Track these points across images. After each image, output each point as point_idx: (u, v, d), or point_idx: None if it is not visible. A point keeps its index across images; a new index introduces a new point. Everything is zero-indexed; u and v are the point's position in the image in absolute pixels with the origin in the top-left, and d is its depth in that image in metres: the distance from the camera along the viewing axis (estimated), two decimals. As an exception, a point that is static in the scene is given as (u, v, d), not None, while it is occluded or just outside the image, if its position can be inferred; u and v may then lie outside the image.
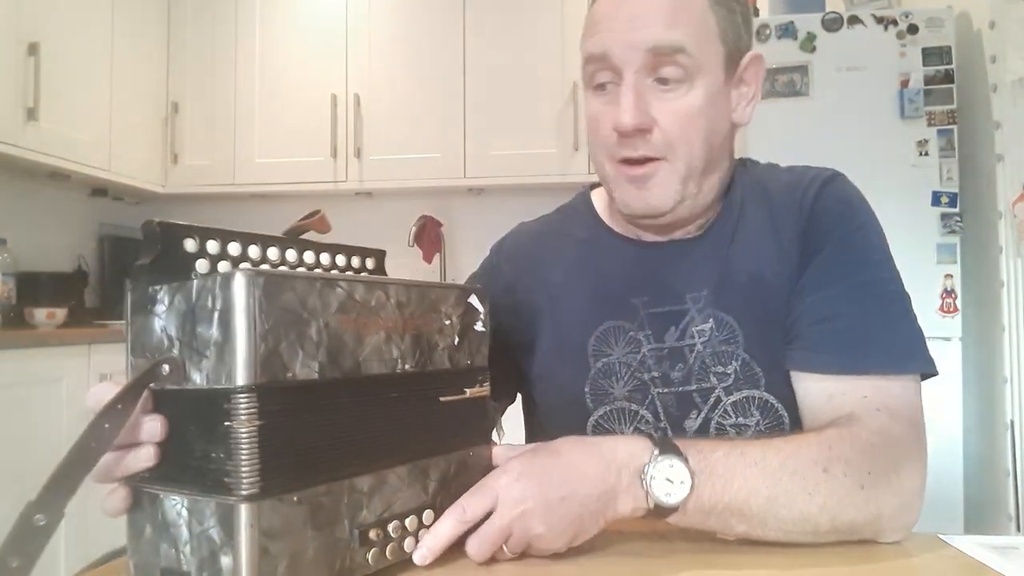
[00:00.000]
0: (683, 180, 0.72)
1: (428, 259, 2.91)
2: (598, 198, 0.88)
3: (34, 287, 2.43)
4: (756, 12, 2.42)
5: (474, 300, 0.62)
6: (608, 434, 0.76)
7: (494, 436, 0.68)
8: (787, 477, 0.59)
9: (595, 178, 2.89)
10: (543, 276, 0.83)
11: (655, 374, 0.76)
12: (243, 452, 0.43)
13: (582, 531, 0.56)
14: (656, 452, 0.57)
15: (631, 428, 0.76)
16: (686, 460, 0.57)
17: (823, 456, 0.60)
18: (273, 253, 0.58)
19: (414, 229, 2.86)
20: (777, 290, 0.73)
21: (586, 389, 0.77)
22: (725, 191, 0.78)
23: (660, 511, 0.57)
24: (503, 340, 0.79)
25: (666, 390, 0.75)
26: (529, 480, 0.56)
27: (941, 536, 0.63)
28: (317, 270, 0.63)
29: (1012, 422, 1.88)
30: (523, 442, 0.88)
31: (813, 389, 0.70)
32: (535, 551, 0.56)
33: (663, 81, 0.69)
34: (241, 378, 0.44)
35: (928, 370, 0.69)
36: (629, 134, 0.70)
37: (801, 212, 0.74)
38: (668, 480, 0.57)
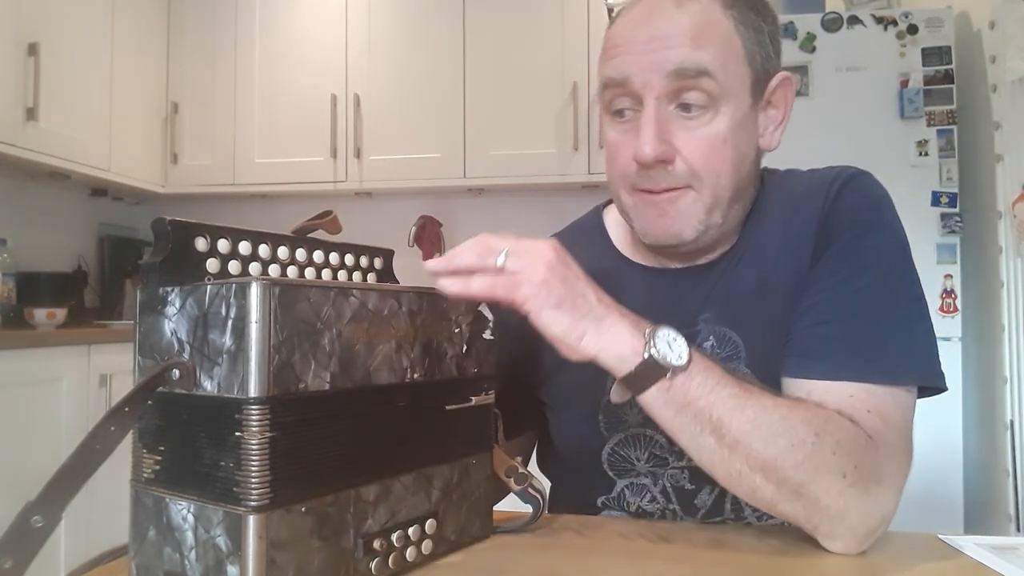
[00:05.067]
0: (708, 210, 0.69)
1: (428, 259, 2.90)
2: (612, 221, 0.84)
3: (34, 287, 2.43)
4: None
5: (484, 308, 0.61)
6: (624, 461, 0.76)
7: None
8: (778, 419, 0.58)
9: (594, 179, 2.86)
10: None
11: None
12: (253, 463, 0.43)
13: (570, 315, 0.57)
14: (664, 325, 0.58)
15: (646, 453, 0.75)
16: (690, 344, 0.58)
17: (818, 422, 0.58)
18: (283, 252, 0.59)
19: (414, 229, 2.86)
20: (784, 292, 0.71)
21: (600, 418, 0.76)
22: (748, 214, 0.76)
23: (646, 372, 0.56)
24: (521, 371, 0.78)
25: None
26: (554, 273, 0.56)
27: (941, 536, 0.63)
28: (326, 269, 0.63)
29: (1012, 422, 1.88)
30: (537, 466, 0.88)
31: (792, 386, 0.67)
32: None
33: (686, 108, 0.66)
34: (254, 390, 0.43)
35: (930, 382, 0.66)
36: (650, 166, 0.67)
37: (822, 210, 0.71)
38: (668, 346, 0.57)
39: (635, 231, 0.73)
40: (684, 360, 0.57)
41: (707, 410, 0.57)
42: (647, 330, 0.58)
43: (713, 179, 0.68)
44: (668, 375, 0.57)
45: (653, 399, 0.58)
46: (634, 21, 0.68)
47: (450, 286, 0.56)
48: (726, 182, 0.69)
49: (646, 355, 0.56)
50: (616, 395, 0.61)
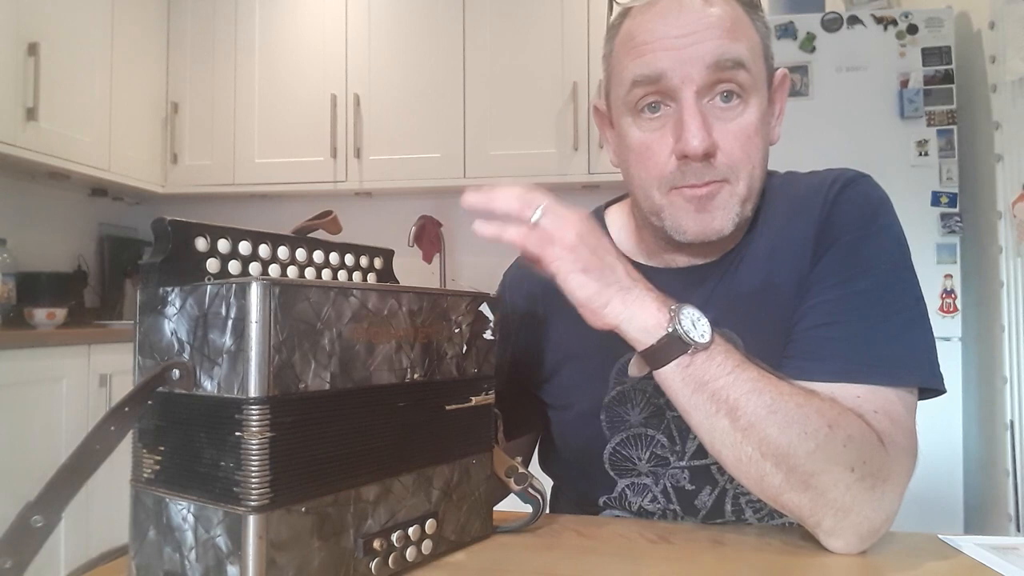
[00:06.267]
0: (743, 201, 0.69)
1: (428, 259, 2.90)
2: (613, 222, 0.84)
3: (34, 287, 2.43)
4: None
5: (485, 309, 0.61)
6: (626, 461, 0.76)
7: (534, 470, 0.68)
8: (794, 407, 0.58)
9: (594, 179, 2.85)
10: (557, 305, 0.79)
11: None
12: (253, 463, 0.43)
13: (596, 282, 0.58)
14: (689, 304, 0.59)
15: (647, 453, 0.75)
16: (714, 326, 0.58)
17: (832, 414, 0.58)
18: (283, 252, 0.59)
19: (414, 229, 2.86)
20: (785, 295, 0.71)
21: (602, 417, 0.76)
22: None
23: (668, 346, 0.57)
24: (522, 371, 0.79)
25: (678, 412, 0.75)
26: (583, 241, 0.58)
27: (941, 536, 0.63)
28: (326, 269, 0.63)
29: (1012, 422, 1.88)
30: (538, 466, 0.88)
31: None
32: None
33: (724, 98, 0.67)
34: (254, 390, 0.43)
35: (929, 384, 0.66)
36: (699, 159, 0.66)
37: (821, 212, 0.71)
38: (692, 324, 0.57)
39: (666, 230, 0.71)
40: (707, 339, 0.57)
41: (724, 391, 0.57)
42: (672, 306, 0.58)
43: (749, 170, 0.68)
44: (690, 352, 0.57)
45: (671, 375, 0.58)
46: (661, 17, 0.67)
47: (486, 228, 0.57)
48: (759, 173, 0.70)
49: (670, 329, 0.57)
50: (634, 369, 0.61)
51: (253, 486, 0.43)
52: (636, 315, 0.58)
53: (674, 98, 0.67)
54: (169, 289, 0.49)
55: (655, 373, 0.59)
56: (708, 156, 0.66)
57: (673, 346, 0.57)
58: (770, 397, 0.57)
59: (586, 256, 0.57)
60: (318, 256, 0.62)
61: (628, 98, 0.70)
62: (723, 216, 0.69)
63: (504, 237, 0.57)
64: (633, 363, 0.61)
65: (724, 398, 0.57)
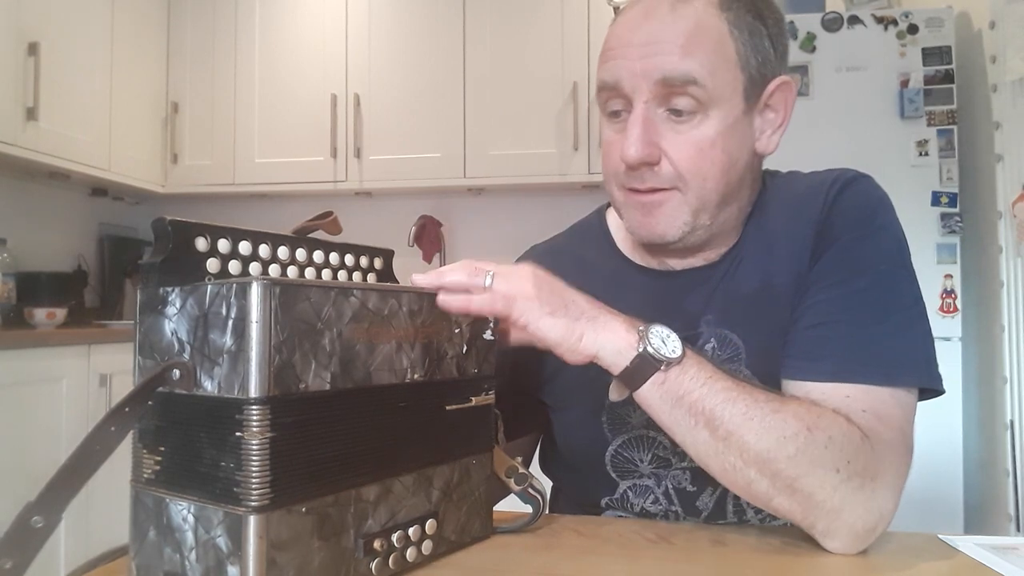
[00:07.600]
0: (694, 212, 0.69)
1: (428, 259, 2.90)
2: (614, 222, 0.84)
3: (34, 287, 2.43)
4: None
5: None
6: (628, 463, 0.76)
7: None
8: (770, 412, 0.58)
9: (594, 179, 2.86)
10: None
11: None
12: (253, 464, 0.43)
13: (564, 319, 0.59)
14: (657, 323, 0.60)
15: (649, 455, 0.75)
16: (684, 340, 0.59)
17: (811, 418, 0.59)
18: (283, 252, 0.59)
19: (414, 229, 2.86)
20: (784, 295, 0.71)
21: (603, 419, 0.76)
22: (748, 216, 0.76)
23: (642, 366, 0.58)
24: (523, 372, 0.78)
25: None
26: (540, 288, 0.59)
27: (941, 536, 0.63)
28: (326, 269, 0.63)
29: (1012, 422, 1.88)
30: (539, 467, 0.88)
31: (791, 388, 0.67)
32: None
33: (675, 112, 0.67)
34: (254, 390, 0.43)
35: (927, 384, 0.66)
36: (635, 167, 0.68)
37: (821, 212, 0.71)
38: (662, 341, 0.59)
39: (625, 227, 0.76)
40: (678, 354, 0.58)
41: (700, 403, 0.58)
42: (641, 327, 0.59)
43: (699, 182, 0.68)
44: (663, 368, 0.58)
45: (649, 394, 0.59)
46: (629, 24, 0.69)
47: (452, 302, 0.57)
48: (713, 185, 0.69)
49: (641, 349, 0.58)
50: (614, 393, 0.62)
51: (253, 486, 0.43)
52: (608, 340, 0.59)
53: (632, 103, 0.69)
54: (169, 289, 0.49)
55: (635, 395, 0.60)
56: (648, 164, 0.68)
57: (646, 365, 0.58)
58: (744, 405, 0.58)
59: (548, 299, 0.59)
60: (318, 256, 0.62)
61: (598, 99, 0.73)
62: (667, 223, 0.70)
63: (472, 308, 0.58)
64: (613, 388, 0.62)
65: (701, 409, 0.58)
